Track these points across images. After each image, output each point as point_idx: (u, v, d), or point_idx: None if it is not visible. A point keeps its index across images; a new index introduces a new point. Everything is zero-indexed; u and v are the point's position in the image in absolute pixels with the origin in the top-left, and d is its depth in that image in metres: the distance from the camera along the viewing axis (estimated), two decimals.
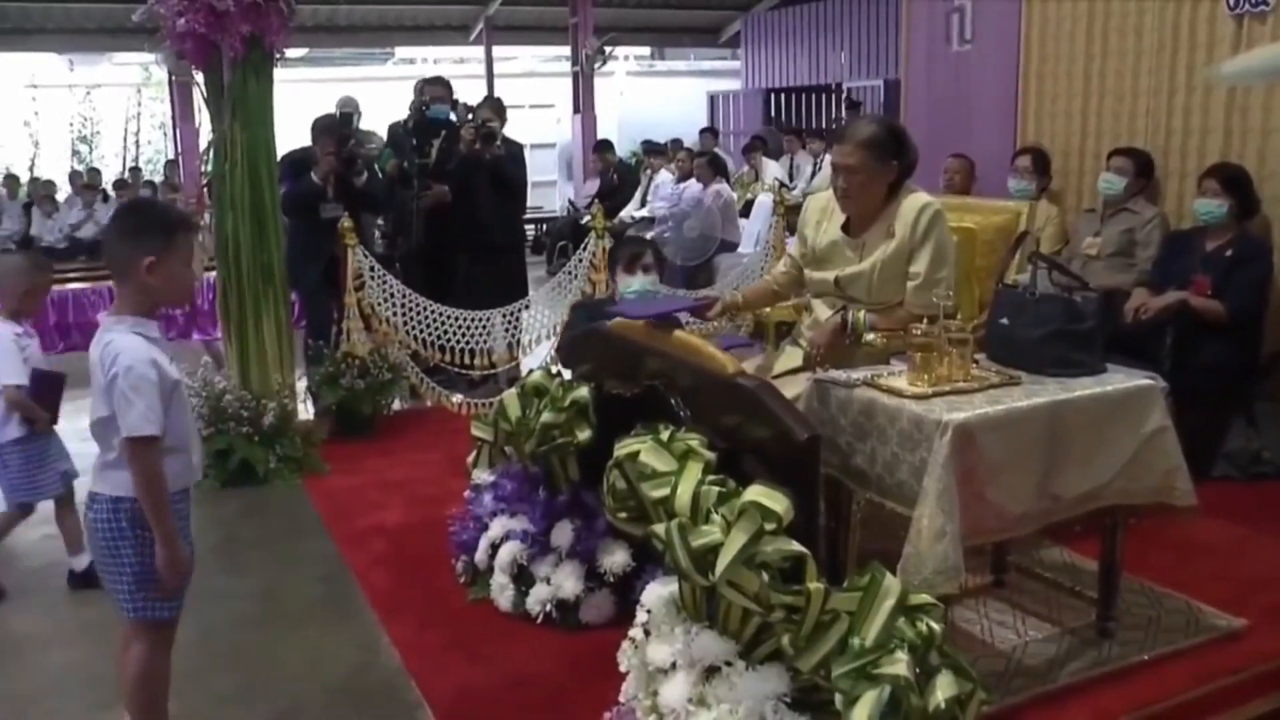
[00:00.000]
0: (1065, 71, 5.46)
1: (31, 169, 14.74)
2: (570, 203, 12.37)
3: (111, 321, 2.48)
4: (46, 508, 3.72)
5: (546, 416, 3.22)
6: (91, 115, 16.33)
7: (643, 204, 10.61)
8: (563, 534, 3.28)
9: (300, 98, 6.95)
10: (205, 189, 5.02)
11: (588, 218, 10.24)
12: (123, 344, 2.41)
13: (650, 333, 3.09)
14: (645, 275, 4.11)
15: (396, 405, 5.58)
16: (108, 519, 2.46)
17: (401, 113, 6.36)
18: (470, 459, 3.81)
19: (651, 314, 3.20)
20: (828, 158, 8.20)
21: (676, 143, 11.24)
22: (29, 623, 3.53)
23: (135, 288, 2.44)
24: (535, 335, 5.63)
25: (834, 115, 13.88)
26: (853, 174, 3.09)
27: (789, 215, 6.18)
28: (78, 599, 3.69)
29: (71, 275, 9.00)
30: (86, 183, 10.50)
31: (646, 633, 2.51)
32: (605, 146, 11.71)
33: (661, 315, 3.16)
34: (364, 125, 6.26)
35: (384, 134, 6.54)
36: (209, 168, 4.89)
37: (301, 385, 5.23)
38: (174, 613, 2.55)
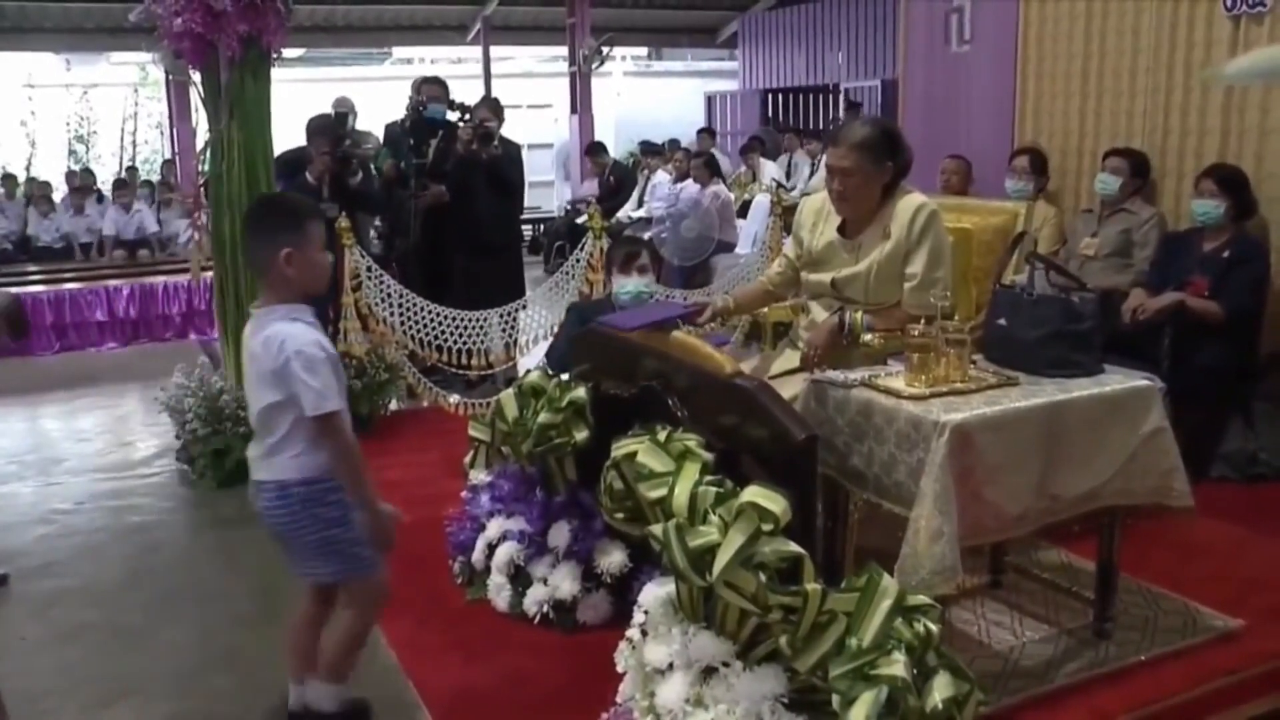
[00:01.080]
0: (1063, 72, 5.46)
1: (28, 169, 14.73)
2: (569, 203, 12.36)
3: (263, 313, 2.54)
4: (46, 504, 3.71)
5: (544, 417, 3.22)
6: (88, 115, 16.30)
7: (640, 204, 10.61)
8: (560, 534, 3.27)
9: (297, 98, 6.94)
10: (202, 189, 5.01)
11: (583, 218, 10.26)
12: (287, 331, 2.47)
13: (647, 333, 3.09)
14: (641, 276, 4.10)
15: (394, 405, 5.59)
16: (278, 505, 2.54)
17: (398, 113, 6.36)
18: (467, 459, 3.81)
19: (641, 325, 3.16)
20: (824, 158, 8.21)
21: (674, 143, 11.24)
22: (27, 622, 3.52)
23: (278, 280, 2.52)
24: (532, 335, 5.63)
25: (832, 116, 13.88)
26: (848, 176, 3.09)
27: (786, 216, 6.18)
28: (78, 600, 3.68)
29: (67, 276, 8.99)
30: (78, 185, 10.44)
31: (644, 633, 2.51)
32: (598, 149, 11.71)
33: (651, 325, 3.13)
34: (360, 125, 6.26)
35: (380, 134, 6.54)
36: (206, 168, 4.89)
37: None
38: (375, 569, 2.65)
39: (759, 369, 3.26)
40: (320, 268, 2.59)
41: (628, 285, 4.07)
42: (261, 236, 2.54)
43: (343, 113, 6.12)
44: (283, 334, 2.46)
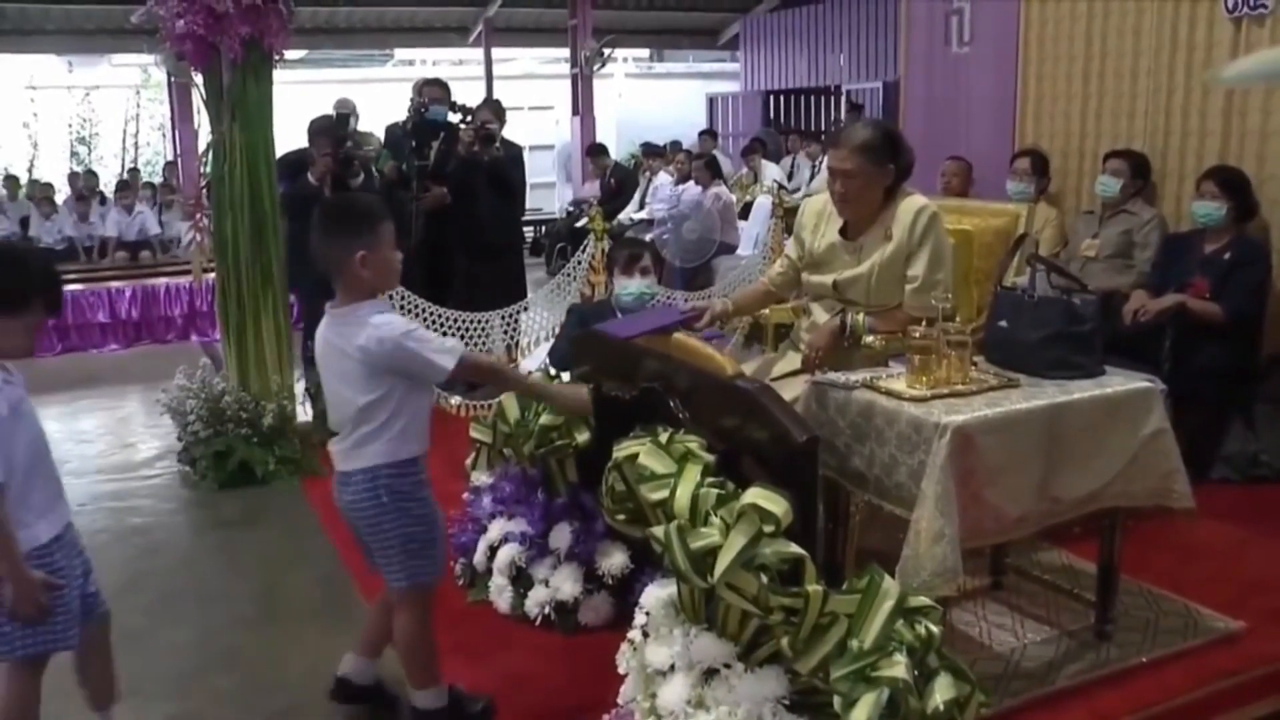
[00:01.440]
0: (1064, 73, 5.46)
1: (30, 170, 14.75)
2: (570, 204, 12.35)
3: (345, 312, 2.56)
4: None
5: (545, 418, 3.22)
6: (90, 117, 16.33)
7: (641, 206, 10.61)
8: (561, 536, 3.28)
9: (299, 99, 6.95)
10: (204, 191, 5.01)
11: (584, 220, 10.26)
12: (379, 320, 2.51)
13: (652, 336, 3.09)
14: (644, 278, 4.10)
15: None
16: (367, 492, 2.55)
17: (400, 114, 6.36)
18: (469, 461, 3.81)
19: (637, 333, 3.15)
20: (825, 160, 8.22)
21: (675, 145, 11.24)
22: None
23: (353, 280, 2.55)
24: (534, 337, 5.64)
25: (833, 117, 13.88)
26: (849, 178, 3.09)
27: (788, 217, 6.19)
28: None
29: (71, 277, 9.00)
30: (81, 193, 10.44)
31: (645, 635, 2.51)
32: (599, 150, 11.71)
33: (647, 333, 3.13)
34: (362, 127, 6.26)
35: (381, 136, 6.54)
36: (208, 169, 4.89)
37: (300, 387, 5.23)
38: (434, 576, 2.67)
39: (760, 371, 3.26)
40: (392, 267, 2.63)
41: (630, 287, 4.07)
42: (337, 239, 2.55)
43: (344, 114, 6.13)
44: (378, 322, 2.50)
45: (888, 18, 12.18)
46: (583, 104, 13.15)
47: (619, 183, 11.18)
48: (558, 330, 5.26)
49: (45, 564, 2.33)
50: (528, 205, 9.34)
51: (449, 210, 6.03)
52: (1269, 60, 3.85)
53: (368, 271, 2.54)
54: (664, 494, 2.44)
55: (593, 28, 12.90)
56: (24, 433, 2.36)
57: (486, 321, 5.55)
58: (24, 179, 12.43)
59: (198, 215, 4.99)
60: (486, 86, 14.42)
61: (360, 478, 2.57)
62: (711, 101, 16.13)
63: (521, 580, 3.32)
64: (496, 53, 15.10)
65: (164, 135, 15.67)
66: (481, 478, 3.70)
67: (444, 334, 5.38)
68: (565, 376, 3.40)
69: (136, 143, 16.51)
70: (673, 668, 2.40)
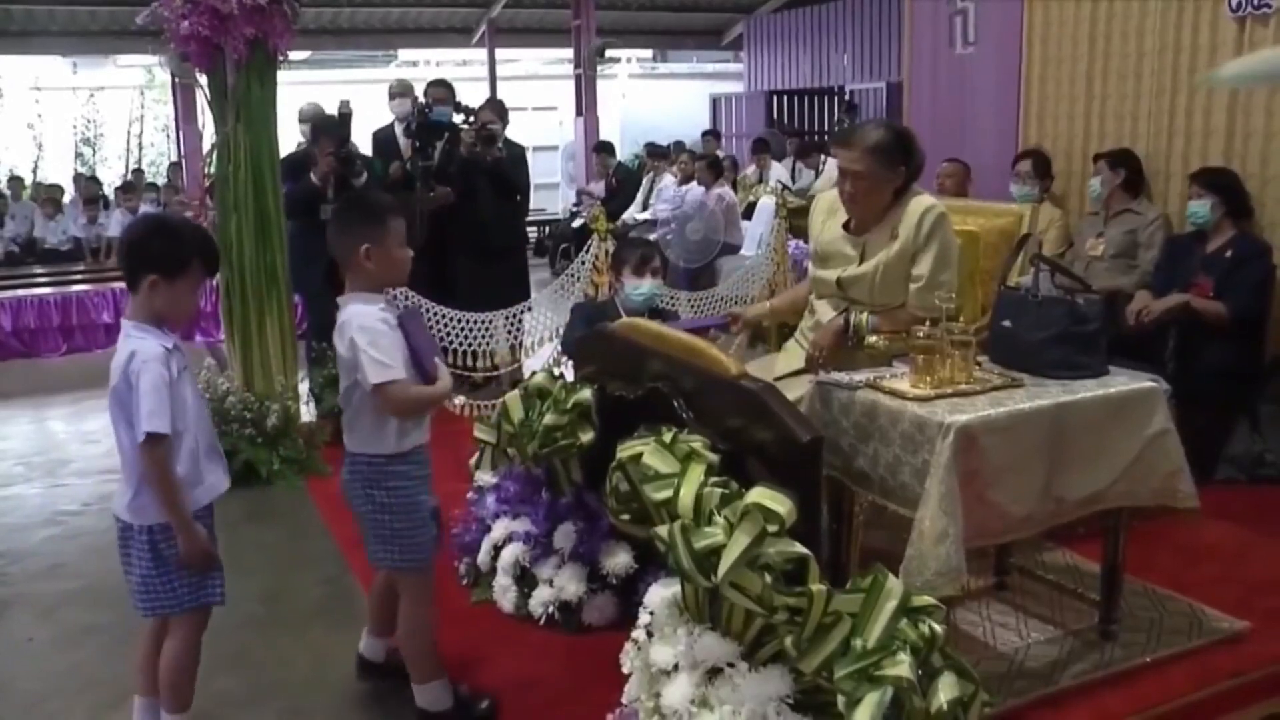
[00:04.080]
0: (1067, 74, 5.46)
1: (35, 171, 14.77)
2: (576, 195, 12.29)
3: (344, 299, 2.70)
4: (54, 505, 3.72)
5: (549, 418, 3.23)
6: (95, 117, 16.37)
7: (645, 206, 10.61)
8: (565, 536, 3.28)
9: (303, 100, 6.95)
10: (208, 191, 5.02)
11: (582, 218, 10.25)
12: (353, 311, 2.63)
13: (652, 335, 3.10)
14: (653, 279, 4.10)
15: None
16: (351, 474, 2.73)
17: (386, 120, 6.35)
18: (473, 461, 3.81)
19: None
20: (831, 161, 8.21)
21: (679, 145, 11.24)
22: (34, 624, 3.53)
23: (357, 272, 2.66)
24: (538, 337, 5.63)
25: (836, 118, 13.88)
26: (859, 180, 3.08)
27: (791, 218, 6.19)
28: (80, 601, 3.69)
29: (76, 278, 9.01)
30: (87, 196, 10.48)
31: (649, 634, 2.51)
32: (605, 148, 11.71)
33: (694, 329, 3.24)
34: (357, 137, 6.24)
35: (370, 142, 6.51)
36: (212, 170, 4.90)
37: (304, 387, 5.23)
38: (408, 565, 2.71)
39: (764, 370, 3.26)
40: (397, 263, 2.71)
41: (642, 288, 4.07)
42: (344, 232, 2.67)
43: (346, 113, 6.13)
44: (348, 315, 2.63)
45: (891, 18, 12.18)
46: (586, 104, 13.15)
47: (620, 182, 11.18)
48: (561, 330, 5.27)
49: (204, 524, 2.57)
50: (531, 206, 9.34)
51: (453, 211, 6.03)
52: (1271, 60, 3.85)
53: (371, 264, 2.63)
54: (668, 494, 2.44)
55: (596, 28, 12.90)
56: (192, 399, 2.53)
57: (490, 322, 5.55)
58: (29, 180, 12.45)
59: (201, 216, 4.99)
60: (490, 87, 14.44)
61: (349, 459, 2.73)
62: (715, 102, 16.14)
63: (526, 580, 3.33)
64: (500, 53, 15.12)
65: (168, 136, 15.70)
66: (485, 477, 3.71)
67: (449, 334, 5.39)
68: (569, 377, 3.40)
69: (141, 143, 16.55)
70: (676, 667, 2.40)
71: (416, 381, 2.65)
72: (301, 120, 6.25)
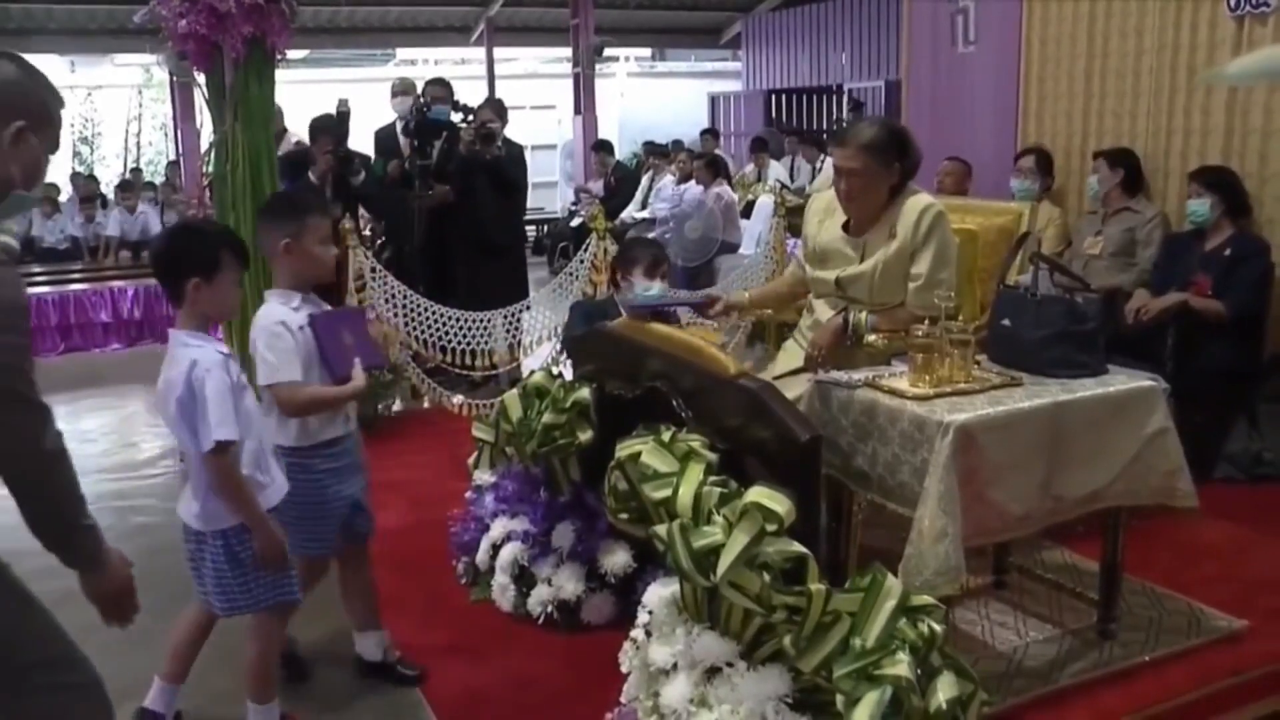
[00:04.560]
0: (1066, 72, 5.46)
1: None
2: (577, 190, 12.27)
3: (266, 295, 2.86)
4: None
5: (548, 417, 3.22)
6: (93, 116, 16.33)
7: (643, 205, 10.61)
8: (564, 535, 3.28)
9: (301, 99, 6.95)
10: (206, 190, 5.02)
11: (578, 220, 10.23)
12: (261, 311, 2.78)
13: (652, 334, 3.09)
14: (662, 281, 4.09)
15: (397, 406, 5.59)
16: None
17: (388, 118, 6.35)
18: (471, 460, 3.81)
19: (654, 306, 3.36)
20: (829, 161, 8.21)
21: (677, 144, 11.24)
22: None
23: (278, 268, 2.81)
24: (536, 336, 5.63)
25: (835, 116, 13.87)
26: (855, 177, 3.08)
27: (790, 216, 6.18)
28: (78, 600, 3.68)
29: (73, 277, 9.01)
30: (84, 195, 10.45)
31: (648, 633, 2.51)
32: (603, 147, 11.70)
33: (664, 309, 3.35)
34: (354, 136, 6.25)
35: (370, 141, 6.51)
36: (210, 169, 4.90)
37: None
38: (322, 551, 2.90)
39: (763, 369, 3.26)
40: (316, 260, 2.80)
41: (653, 289, 4.06)
42: (264, 227, 2.83)
43: (344, 112, 6.13)
44: (259, 314, 2.77)
45: (890, 17, 12.17)
46: (585, 103, 13.14)
47: (618, 181, 11.18)
48: (560, 330, 5.26)
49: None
50: (529, 204, 9.34)
51: (451, 210, 6.03)
52: (1270, 58, 3.85)
53: (290, 260, 2.76)
54: (667, 493, 2.44)
55: (595, 27, 12.89)
56: (250, 402, 2.56)
57: (489, 321, 5.55)
58: None
59: (200, 214, 4.99)
60: (488, 86, 14.42)
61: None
62: (713, 101, 16.13)
63: (524, 579, 3.32)
64: (498, 52, 15.10)
65: (166, 135, 15.69)
66: (484, 476, 3.71)
67: (447, 333, 5.39)
68: (567, 376, 3.40)
69: (139, 142, 16.51)
70: (675, 666, 2.40)
71: (325, 381, 2.74)
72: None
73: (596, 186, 11.25)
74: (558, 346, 5.38)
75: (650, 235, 8.30)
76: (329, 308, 2.95)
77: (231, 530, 2.49)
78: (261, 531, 2.49)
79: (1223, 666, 2.82)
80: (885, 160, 3.06)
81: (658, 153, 11.15)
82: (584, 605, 3.21)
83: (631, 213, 10.58)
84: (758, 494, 2.33)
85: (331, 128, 5.75)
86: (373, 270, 5.34)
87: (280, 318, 2.72)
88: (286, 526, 2.64)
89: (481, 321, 5.51)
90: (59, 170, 14.18)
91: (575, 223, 10.93)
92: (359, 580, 3.02)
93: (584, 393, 3.22)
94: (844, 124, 10.49)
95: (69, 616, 3.56)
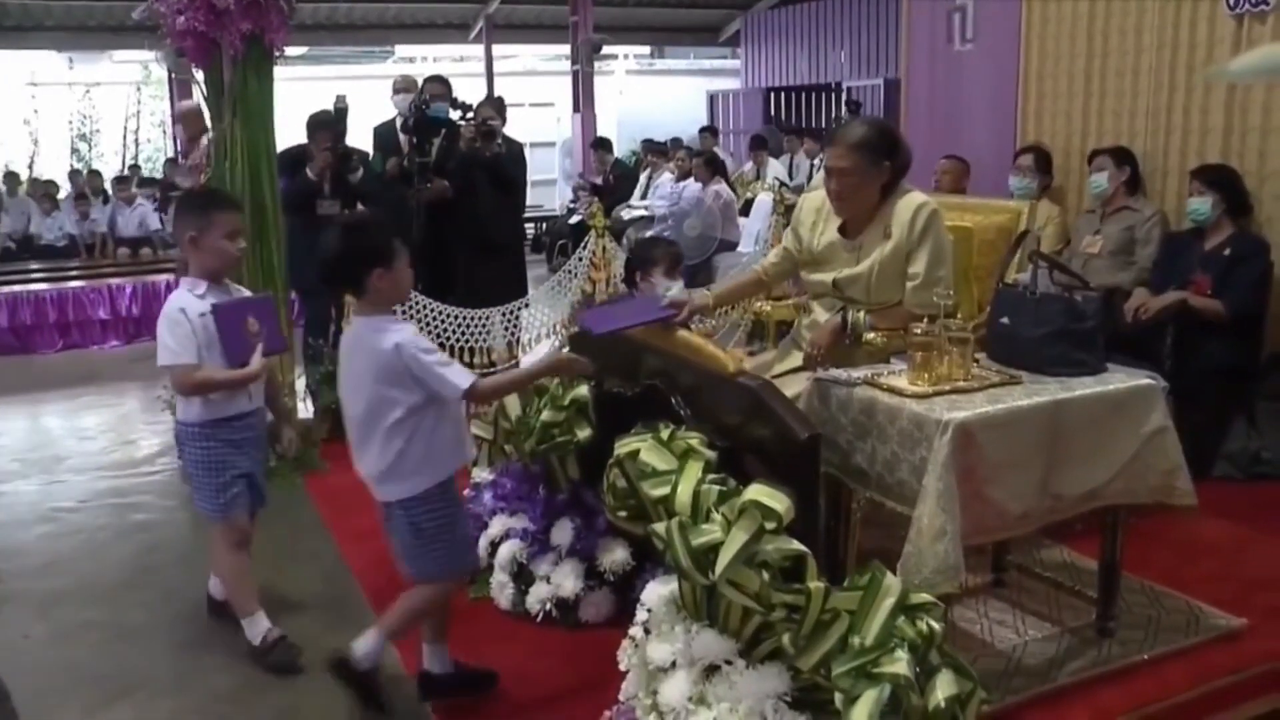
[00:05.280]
0: (1065, 71, 5.46)
1: (31, 167, 14.74)
2: (575, 188, 12.25)
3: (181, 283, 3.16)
4: (49, 502, 3.72)
5: (546, 415, 3.22)
6: (91, 113, 16.31)
7: (642, 200, 10.61)
8: (563, 532, 3.28)
9: (300, 96, 6.93)
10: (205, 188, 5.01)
11: (577, 217, 10.21)
12: (169, 297, 3.07)
13: (651, 332, 3.09)
14: (679, 280, 4.06)
15: None
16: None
17: (388, 114, 6.34)
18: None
19: (616, 328, 3.14)
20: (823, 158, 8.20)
21: (676, 142, 11.24)
22: (30, 621, 3.52)
23: (189, 259, 3.11)
24: (535, 334, 5.63)
25: (834, 114, 13.87)
26: (845, 176, 3.08)
27: (789, 214, 6.18)
28: (75, 598, 3.68)
29: (71, 274, 9.00)
30: (82, 190, 10.44)
31: (646, 631, 2.51)
32: (602, 144, 11.70)
33: (626, 328, 3.12)
34: (352, 129, 6.23)
35: (369, 137, 6.50)
36: (209, 166, 4.89)
37: (301, 384, 5.23)
38: (224, 514, 3.18)
39: (761, 368, 3.26)
40: (221, 253, 3.06)
41: (674, 290, 4.04)
42: (175, 221, 3.09)
43: (342, 108, 6.12)
44: (168, 300, 3.06)
45: (889, 15, 12.18)
46: (584, 100, 13.14)
47: (617, 179, 11.18)
48: (558, 327, 5.26)
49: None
50: (529, 202, 9.33)
51: (450, 207, 6.02)
52: (1270, 56, 3.84)
53: (197, 252, 3.07)
54: (665, 490, 2.44)
55: (594, 24, 12.89)
56: None
57: (487, 318, 5.54)
58: (24, 176, 12.42)
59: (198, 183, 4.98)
60: (487, 83, 14.42)
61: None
62: (712, 98, 16.13)
63: (523, 576, 3.32)
64: (497, 49, 15.10)
65: (164, 132, 15.67)
66: (483, 474, 3.71)
67: (446, 330, 5.38)
68: None
69: (137, 139, 16.48)
70: (674, 664, 2.40)
71: (223, 364, 3.00)
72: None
73: (595, 180, 11.24)
74: (557, 344, 5.38)
75: (649, 233, 8.30)
76: (246, 295, 3.25)
77: (413, 500, 2.65)
78: (543, 373, 2.82)
79: (1221, 665, 2.82)
80: (875, 159, 3.06)
81: (656, 150, 11.16)
82: (582, 603, 3.21)
83: (626, 208, 10.54)
84: (756, 492, 2.33)
85: (330, 124, 5.74)
86: None
87: (182, 305, 2.99)
88: (198, 493, 3.11)
89: (480, 319, 5.51)
90: (57, 167, 14.18)
91: (574, 220, 10.92)
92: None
93: (583, 390, 3.22)
94: (841, 123, 10.50)
95: (64, 614, 3.59)
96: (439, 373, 2.56)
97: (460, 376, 2.59)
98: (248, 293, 3.31)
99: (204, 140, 6.76)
